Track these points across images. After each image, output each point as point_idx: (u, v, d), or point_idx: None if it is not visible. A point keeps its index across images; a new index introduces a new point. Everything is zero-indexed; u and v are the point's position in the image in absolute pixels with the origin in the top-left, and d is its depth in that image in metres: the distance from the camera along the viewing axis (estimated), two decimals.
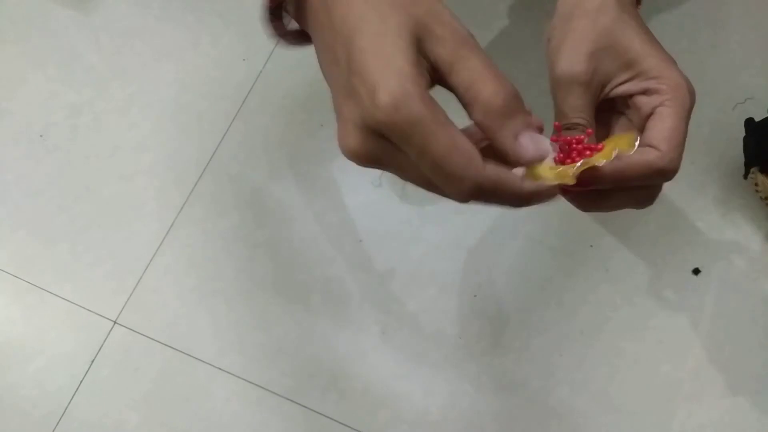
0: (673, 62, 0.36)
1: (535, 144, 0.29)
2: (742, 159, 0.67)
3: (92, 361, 0.67)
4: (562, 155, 0.33)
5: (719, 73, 0.73)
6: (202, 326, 0.68)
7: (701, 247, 0.68)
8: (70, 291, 0.69)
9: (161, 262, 0.70)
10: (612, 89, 0.37)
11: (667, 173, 0.35)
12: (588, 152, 0.33)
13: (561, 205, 0.70)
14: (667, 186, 0.70)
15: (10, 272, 0.70)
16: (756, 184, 0.66)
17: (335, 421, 0.65)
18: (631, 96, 0.36)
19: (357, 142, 0.27)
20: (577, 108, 0.36)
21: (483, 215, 0.70)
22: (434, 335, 0.67)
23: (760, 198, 0.67)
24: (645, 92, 0.35)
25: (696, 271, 0.67)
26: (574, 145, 0.33)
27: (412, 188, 0.31)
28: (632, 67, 0.35)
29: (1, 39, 0.79)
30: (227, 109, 0.75)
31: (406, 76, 0.25)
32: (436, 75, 0.28)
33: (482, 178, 0.27)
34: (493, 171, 0.28)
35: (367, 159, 0.28)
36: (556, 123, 0.36)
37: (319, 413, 0.65)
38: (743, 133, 0.66)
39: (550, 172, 0.30)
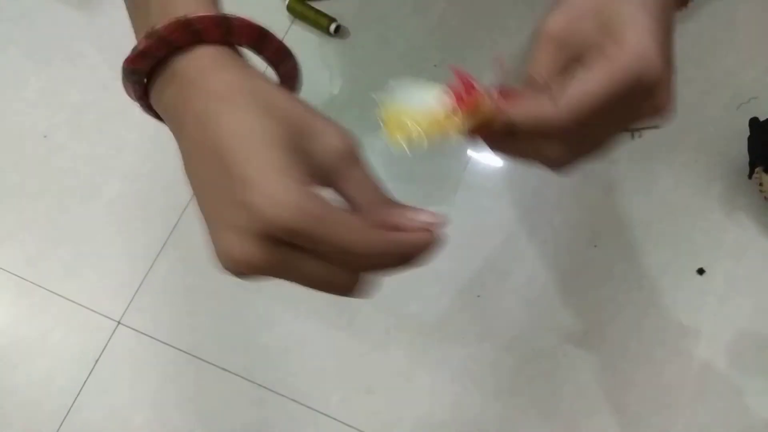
0: (653, 35, 0.31)
1: (413, 215, 0.29)
2: (746, 158, 0.66)
3: (96, 361, 0.67)
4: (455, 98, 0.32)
5: (723, 72, 0.73)
6: (206, 326, 0.68)
7: (706, 247, 0.68)
8: (74, 291, 0.69)
9: (165, 262, 0.70)
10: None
11: (558, 130, 0.31)
12: (468, 96, 0.31)
13: (565, 205, 0.70)
14: (671, 185, 0.70)
15: (14, 273, 0.70)
16: (760, 184, 0.66)
17: (338, 421, 0.65)
18: None
19: (251, 251, 0.26)
20: (539, 63, 0.33)
21: (486, 216, 0.70)
22: (438, 335, 0.67)
23: (765, 197, 0.67)
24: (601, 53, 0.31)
25: (701, 271, 0.67)
26: (457, 90, 0.31)
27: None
28: (610, 34, 0.32)
29: (5, 39, 0.79)
30: None
31: (299, 180, 0.25)
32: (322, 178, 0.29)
33: (392, 242, 0.28)
34: (393, 235, 0.28)
35: (262, 267, 0.26)
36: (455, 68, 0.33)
37: (324, 414, 0.65)
38: (748, 133, 0.66)
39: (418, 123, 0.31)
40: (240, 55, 0.32)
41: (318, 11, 0.75)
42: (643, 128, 0.37)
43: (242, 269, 0.26)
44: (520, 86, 0.33)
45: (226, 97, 0.28)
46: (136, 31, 0.32)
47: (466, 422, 0.64)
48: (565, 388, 0.65)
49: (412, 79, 0.33)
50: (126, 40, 0.31)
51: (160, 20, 0.29)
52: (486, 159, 0.71)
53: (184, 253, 0.70)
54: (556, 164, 0.34)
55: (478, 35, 0.76)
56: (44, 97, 0.77)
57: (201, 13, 0.30)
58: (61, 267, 0.70)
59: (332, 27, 0.74)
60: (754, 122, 0.65)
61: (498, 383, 0.65)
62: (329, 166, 0.28)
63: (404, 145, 0.31)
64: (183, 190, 0.72)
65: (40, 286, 0.70)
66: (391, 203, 0.30)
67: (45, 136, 0.75)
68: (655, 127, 0.38)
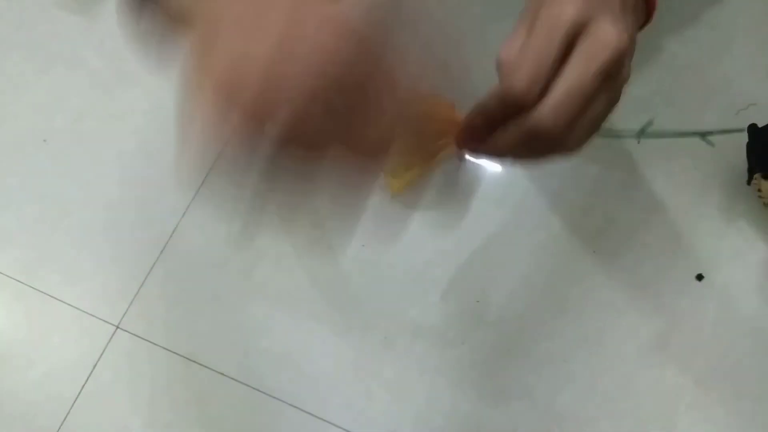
0: (616, 24, 0.32)
1: None
2: (745, 165, 0.66)
3: (94, 366, 0.67)
4: None
5: (722, 79, 0.73)
6: (205, 331, 0.68)
7: (705, 253, 0.68)
8: (72, 296, 0.69)
9: (164, 267, 0.70)
10: None
11: (515, 99, 0.32)
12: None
13: (562, 211, 0.70)
14: (669, 191, 0.70)
15: (13, 277, 0.70)
16: (759, 190, 0.66)
17: (338, 426, 0.65)
18: None
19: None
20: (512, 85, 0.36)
21: (486, 220, 0.70)
22: (437, 341, 0.67)
23: (764, 204, 0.67)
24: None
25: (699, 277, 0.67)
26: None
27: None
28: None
29: (6, 44, 0.79)
30: None
31: None
32: None
33: None
34: None
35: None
36: None
37: (323, 419, 0.65)
38: (746, 139, 0.66)
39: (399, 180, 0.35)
40: None
41: None
42: (715, 132, 0.38)
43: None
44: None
45: None
46: None
47: (465, 428, 0.64)
48: (564, 395, 0.65)
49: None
50: (126, 46, 0.31)
51: None
52: (482, 165, 0.71)
53: (183, 258, 0.70)
54: (532, 153, 0.35)
55: None
56: (44, 102, 0.77)
57: None
58: (59, 271, 0.70)
59: None
60: (752, 128, 0.65)
61: (497, 389, 0.65)
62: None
63: (407, 191, 0.36)
64: (182, 194, 0.72)
65: (38, 290, 0.70)
66: None
67: (45, 141, 0.75)
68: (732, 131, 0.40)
